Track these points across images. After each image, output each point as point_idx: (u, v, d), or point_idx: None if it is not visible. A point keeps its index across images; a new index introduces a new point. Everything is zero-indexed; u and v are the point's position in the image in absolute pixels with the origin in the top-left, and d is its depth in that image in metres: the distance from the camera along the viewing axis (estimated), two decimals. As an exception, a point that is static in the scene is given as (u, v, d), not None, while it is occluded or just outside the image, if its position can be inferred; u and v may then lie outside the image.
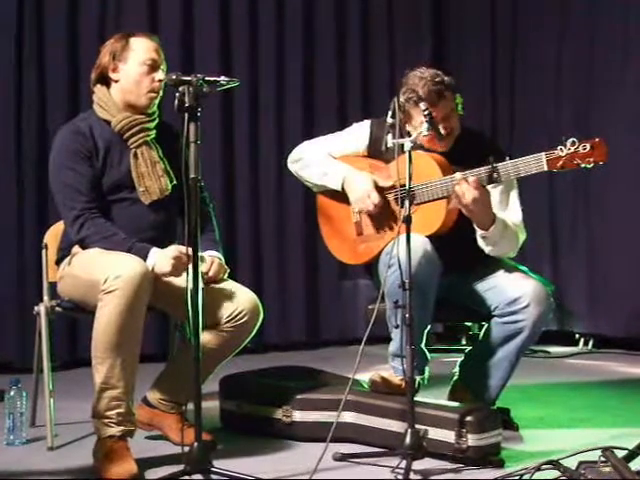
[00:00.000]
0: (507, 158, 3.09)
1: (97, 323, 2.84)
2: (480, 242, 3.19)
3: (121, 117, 3.11)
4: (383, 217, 3.30)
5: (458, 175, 3.06)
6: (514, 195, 3.28)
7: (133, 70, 3.11)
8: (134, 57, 3.11)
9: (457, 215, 3.17)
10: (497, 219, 3.14)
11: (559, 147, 2.94)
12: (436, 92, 3.16)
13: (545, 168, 2.98)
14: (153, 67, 3.12)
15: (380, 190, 3.27)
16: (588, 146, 2.91)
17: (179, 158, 2.97)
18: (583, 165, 2.92)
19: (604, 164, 2.91)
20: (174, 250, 2.97)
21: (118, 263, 2.86)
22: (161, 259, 2.96)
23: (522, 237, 3.27)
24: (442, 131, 3.16)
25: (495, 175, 3.06)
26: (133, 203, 3.11)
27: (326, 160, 3.40)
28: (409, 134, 3.15)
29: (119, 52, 3.12)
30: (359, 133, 3.40)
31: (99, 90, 3.16)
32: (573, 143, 2.92)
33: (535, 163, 2.99)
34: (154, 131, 3.16)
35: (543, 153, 2.98)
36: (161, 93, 3.15)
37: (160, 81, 3.11)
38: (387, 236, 3.25)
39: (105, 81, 3.16)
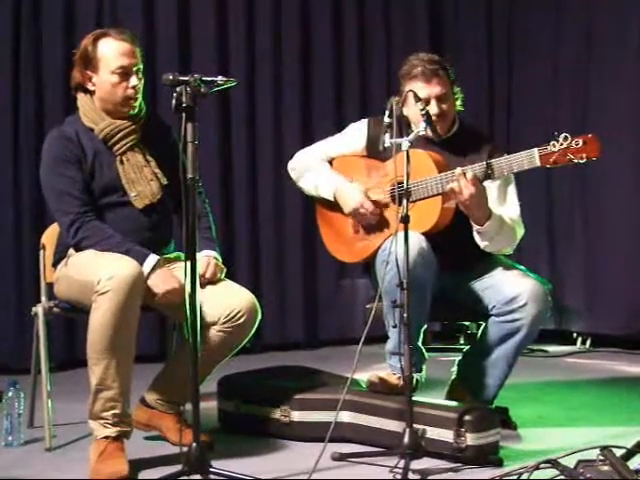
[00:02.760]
0: (505, 154, 3.10)
1: (91, 324, 2.83)
2: (476, 237, 3.19)
3: (103, 125, 3.08)
4: (380, 215, 3.30)
5: (459, 170, 3.07)
6: (511, 190, 3.28)
7: (105, 80, 3.05)
8: (104, 66, 3.05)
9: (453, 214, 3.18)
10: (493, 215, 3.14)
11: (552, 142, 2.94)
12: (431, 70, 3.21)
13: (538, 163, 2.98)
14: (125, 74, 3.05)
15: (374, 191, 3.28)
16: (581, 141, 2.90)
17: (173, 153, 2.95)
18: (576, 160, 2.91)
19: (599, 160, 2.90)
20: (174, 280, 2.93)
21: (111, 264, 2.85)
22: (158, 279, 2.94)
23: (520, 232, 3.27)
24: (435, 109, 3.17)
25: (489, 171, 3.06)
26: (126, 206, 3.09)
27: (318, 170, 3.40)
28: (407, 120, 3.13)
29: (90, 61, 3.05)
30: (356, 133, 3.40)
31: (81, 98, 3.13)
32: (566, 138, 2.92)
33: (528, 159, 2.99)
34: (139, 133, 3.11)
35: (535, 148, 2.98)
36: (140, 97, 3.10)
37: (134, 87, 3.06)
38: (384, 233, 3.25)
39: (86, 89, 3.11)
